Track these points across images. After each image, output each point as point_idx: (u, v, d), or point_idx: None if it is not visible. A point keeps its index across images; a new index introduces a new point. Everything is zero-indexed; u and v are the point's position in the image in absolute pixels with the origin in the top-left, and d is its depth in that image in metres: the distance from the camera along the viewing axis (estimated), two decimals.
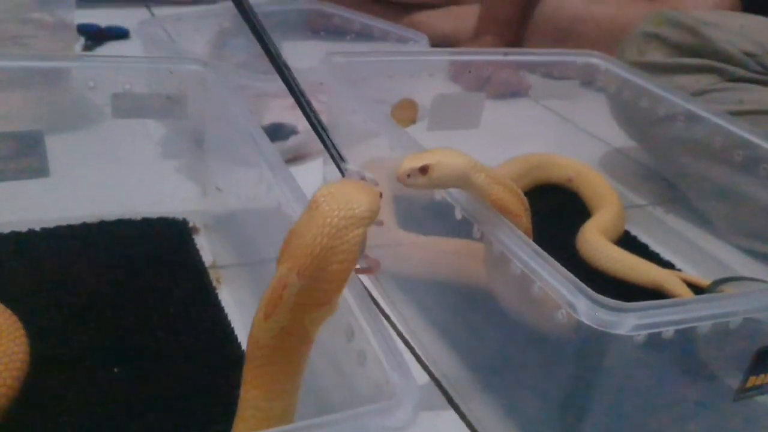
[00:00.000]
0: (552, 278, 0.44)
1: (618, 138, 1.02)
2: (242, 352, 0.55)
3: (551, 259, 0.46)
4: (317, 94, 1.05)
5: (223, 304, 0.61)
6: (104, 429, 0.47)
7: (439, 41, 1.36)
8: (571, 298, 0.43)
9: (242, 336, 0.57)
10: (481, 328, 0.56)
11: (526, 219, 0.52)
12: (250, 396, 0.36)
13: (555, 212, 0.84)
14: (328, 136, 0.51)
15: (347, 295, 0.40)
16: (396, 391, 0.34)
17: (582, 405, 0.47)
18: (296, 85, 0.53)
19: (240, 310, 0.60)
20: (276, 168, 0.51)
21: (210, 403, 0.50)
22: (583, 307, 0.42)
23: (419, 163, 0.47)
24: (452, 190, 0.54)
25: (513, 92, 1.16)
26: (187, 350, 0.55)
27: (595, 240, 0.77)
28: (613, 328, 0.41)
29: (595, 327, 0.42)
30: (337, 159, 0.50)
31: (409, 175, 0.47)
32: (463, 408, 0.55)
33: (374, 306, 0.39)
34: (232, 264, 0.66)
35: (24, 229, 0.65)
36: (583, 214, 0.85)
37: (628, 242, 0.81)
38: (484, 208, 0.51)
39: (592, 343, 0.43)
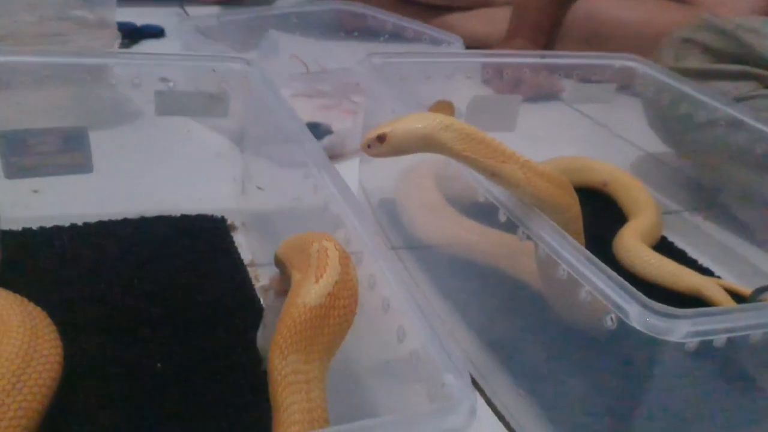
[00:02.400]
0: (602, 282, 0.44)
1: (652, 143, 1.01)
2: None
3: (600, 263, 0.46)
4: (350, 94, 1.05)
5: (263, 302, 0.61)
6: (149, 425, 0.47)
7: (470, 43, 1.36)
8: (622, 303, 0.42)
9: None
10: (523, 330, 0.56)
11: (516, 165, 0.49)
12: (290, 360, 0.37)
13: (590, 217, 0.83)
14: None
15: (397, 296, 0.40)
16: (452, 393, 0.33)
17: (629, 412, 0.46)
18: None
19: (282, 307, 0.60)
20: (323, 167, 0.51)
21: (252, 402, 0.50)
22: (635, 312, 0.42)
23: (376, 133, 0.47)
24: (495, 191, 0.54)
25: (545, 95, 1.16)
26: (227, 348, 0.55)
27: (632, 245, 0.76)
28: (665, 334, 0.41)
29: (647, 333, 0.41)
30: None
31: (369, 146, 0.48)
32: (503, 412, 0.55)
33: (426, 306, 0.39)
34: (270, 263, 0.66)
35: (66, 223, 0.66)
36: (619, 219, 0.85)
37: (665, 248, 0.80)
38: (529, 209, 0.51)
39: (641, 350, 0.43)
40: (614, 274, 0.44)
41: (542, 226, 0.49)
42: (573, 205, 0.54)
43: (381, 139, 0.46)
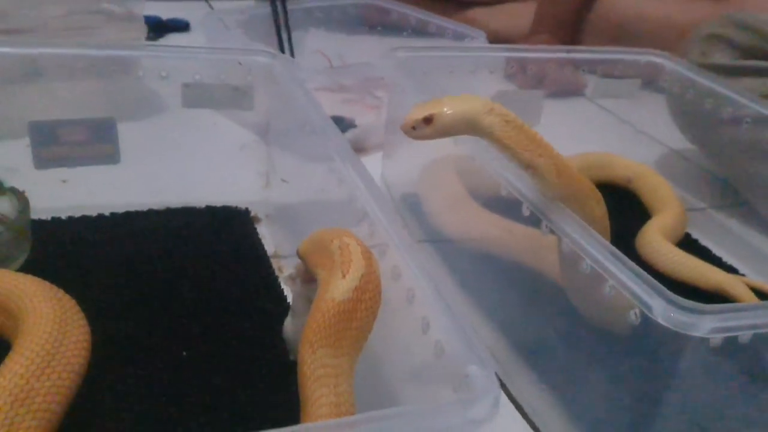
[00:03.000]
0: (626, 277, 0.44)
1: (676, 140, 1.00)
2: None
3: (624, 257, 0.45)
4: (373, 89, 1.06)
5: (286, 293, 0.61)
6: (175, 412, 0.48)
7: (493, 39, 1.35)
8: (646, 297, 0.42)
9: None
10: (544, 325, 0.56)
11: (552, 161, 0.49)
12: (319, 355, 0.37)
13: (613, 213, 0.83)
14: None
15: (421, 287, 0.40)
16: (476, 384, 0.34)
17: (651, 408, 0.46)
18: None
19: None
20: (349, 160, 0.52)
21: (275, 391, 0.51)
22: (659, 307, 0.41)
23: (422, 114, 0.46)
24: (519, 185, 0.54)
25: (568, 91, 1.15)
26: (251, 338, 0.56)
27: (656, 241, 0.76)
28: (689, 330, 0.41)
29: (671, 328, 0.41)
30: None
31: (414, 127, 0.46)
32: (524, 406, 0.55)
33: (450, 297, 0.39)
34: (294, 254, 0.66)
35: (94, 213, 0.67)
36: (643, 215, 0.84)
37: (689, 245, 0.80)
38: (553, 204, 0.51)
39: (665, 345, 0.43)
40: (638, 268, 0.44)
41: (566, 220, 0.49)
42: (598, 209, 0.53)
43: (428, 120, 0.45)
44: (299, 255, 0.48)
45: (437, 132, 0.46)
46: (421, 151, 0.76)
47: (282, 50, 1.06)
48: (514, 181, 0.55)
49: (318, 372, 0.37)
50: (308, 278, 0.48)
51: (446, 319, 0.38)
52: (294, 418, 0.46)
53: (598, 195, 0.54)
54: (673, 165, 1.03)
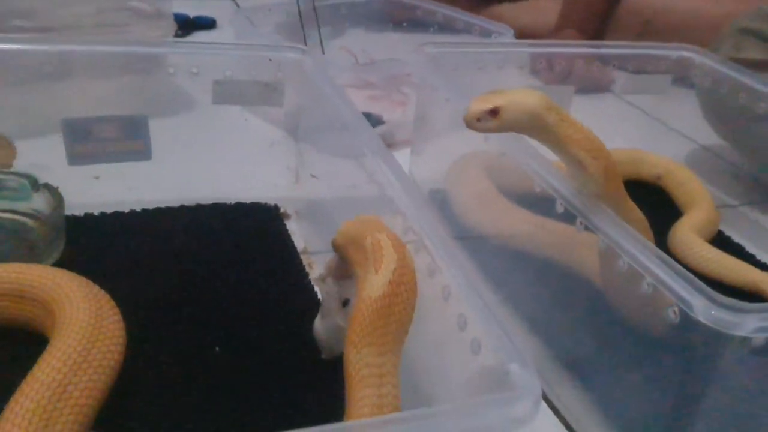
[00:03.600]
0: (665, 275, 0.43)
1: (706, 136, 0.99)
2: None
3: (663, 254, 0.45)
4: (400, 85, 1.05)
5: (317, 290, 0.61)
6: (208, 408, 0.48)
7: (518, 35, 1.34)
8: (686, 295, 0.41)
9: None
10: (578, 322, 0.55)
11: (604, 163, 0.49)
12: (364, 353, 0.37)
13: (643, 210, 0.82)
14: None
15: (458, 284, 0.40)
16: (517, 381, 0.33)
17: (688, 408, 0.45)
18: None
19: None
20: (381, 155, 0.51)
21: (307, 388, 0.51)
22: (700, 305, 0.41)
23: (489, 105, 0.44)
24: (553, 181, 0.53)
25: (595, 87, 1.14)
26: (283, 335, 0.56)
27: (688, 239, 0.75)
28: (731, 329, 0.40)
29: (712, 327, 0.40)
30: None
31: (479, 119, 0.45)
32: (558, 406, 0.54)
33: (488, 293, 0.38)
34: (324, 251, 0.66)
35: (126, 209, 0.68)
36: (673, 212, 0.83)
37: (722, 242, 0.79)
38: (587, 200, 0.50)
39: (705, 344, 0.42)
40: (678, 265, 0.44)
41: (602, 216, 0.49)
42: (641, 221, 0.53)
43: (494, 113, 0.44)
44: (335, 248, 0.48)
45: (503, 125, 0.45)
46: (450, 148, 0.76)
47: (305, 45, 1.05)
48: (547, 176, 0.54)
49: (362, 372, 0.37)
50: (340, 275, 0.48)
51: (484, 316, 0.37)
52: (325, 416, 0.46)
53: (641, 217, 0.54)
54: (704, 161, 1.01)
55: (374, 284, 0.40)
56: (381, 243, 0.42)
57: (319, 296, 0.60)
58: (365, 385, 0.37)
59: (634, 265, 0.45)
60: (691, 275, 0.43)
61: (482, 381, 0.36)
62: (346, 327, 0.49)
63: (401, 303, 0.39)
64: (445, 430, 0.31)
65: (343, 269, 0.47)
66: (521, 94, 0.46)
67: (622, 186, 0.51)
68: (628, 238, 0.46)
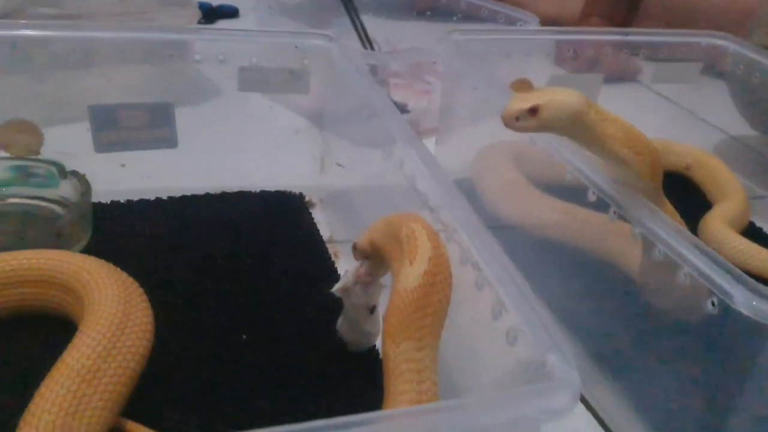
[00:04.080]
0: (703, 264, 0.42)
1: (735, 126, 0.97)
2: None
3: (701, 243, 0.44)
4: (424, 74, 1.04)
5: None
6: (235, 394, 0.48)
7: (543, 23, 1.33)
8: (726, 285, 0.40)
9: None
10: (609, 314, 0.54)
11: (649, 159, 0.48)
12: (402, 348, 0.36)
13: (672, 201, 0.81)
14: None
15: (492, 272, 0.39)
16: (554, 372, 0.32)
17: (726, 402, 0.44)
18: None
19: None
20: (410, 142, 0.51)
21: (333, 377, 0.50)
22: (741, 296, 0.40)
23: (528, 104, 0.43)
24: (585, 169, 0.52)
25: (621, 76, 1.12)
26: (310, 323, 0.55)
27: (720, 230, 0.73)
28: None
29: (753, 318, 0.39)
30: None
31: (517, 118, 0.43)
32: (589, 399, 0.53)
33: (524, 281, 0.38)
34: (350, 239, 0.66)
35: (152, 197, 0.68)
36: (703, 204, 0.81)
37: (753, 234, 0.77)
38: (620, 187, 0.49)
39: (744, 336, 0.41)
40: (716, 254, 0.43)
41: (636, 204, 0.48)
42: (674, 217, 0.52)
43: (533, 111, 0.43)
44: (361, 250, 0.46)
45: (541, 124, 0.44)
46: (476, 137, 0.75)
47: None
48: (579, 164, 0.53)
49: (402, 367, 0.36)
50: (370, 280, 0.46)
51: (520, 306, 0.37)
52: (352, 406, 0.46)
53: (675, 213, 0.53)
54: (734, 152, 0.99)
55: (409, 276, 0.39)
56: (416, 233, 0.41)
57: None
58: (404, 381, 0.36)
59: (670, 255, 0.44)
60: (730, 265, 0.42)
61: (518, 372, 0.35)
62: (374, 333, 0.49)
63: (437, 293, 0.38)
64: (482, 421, 0.30)
65: (370, 275, 0.46)
66: (560, 92, 0.45)
67: (661, 182, 0.50)
68: (664, 227, 0.45)
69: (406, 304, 0.38)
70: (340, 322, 0.50)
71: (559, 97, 0.44)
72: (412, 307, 0.38)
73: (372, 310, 0.48)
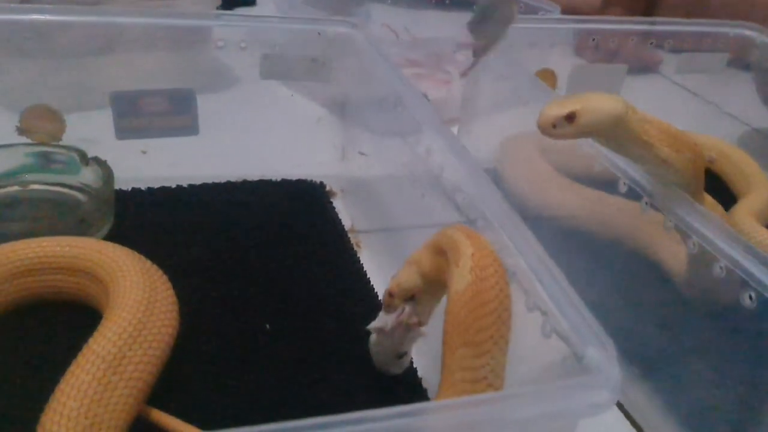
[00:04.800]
0: (740, 257, 0.41)
1: (760, 118, 0.95)
2: None
3: (738, 235, 0.43)
4: (443, 64, 1.03)
5: (365, 268, 0.60)
6: (259, 383, 0.47)
7: (564, 12, 1.31)
8: (765, 279, 0.39)
9: None
10: (641, 307, 0.53)
11: (690, 155, 0.46)
12: (458, 355, 0.34)
13: None
14: None
15: (526, 262, 0.38)
16: (594, 366, 0.32)
17: (761, 400, 0.43)
18: None
19: (382, 274, 0.60)
20: (439, 130, 0.50)
21: (354, 370, 0.49)
22: None
23: (565, 110, 0.42)
24: (616, 158, 0.51)
25: (642, 67, 1.10)
26: (333, 313, 0.55)
27: (747, 225, 0.72)
28: None
29: None
30: None
31: (554, 125, 0.42)
32: (621, 399, 0.52)
33: (560, 273, 0.37)
34: (371, 229, 0.65)
35: (173, 185, 0.67)
36: (728, 197, 0.80)
37: None
38: (653, 178, 0.48)
39: None
40: (754, 247, 0.42)
41: (670, 195, 0.47)
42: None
43: (570, 118, 0.42)
44: (404, 291, 0.42)
45: (579, 131, 0.42)
46: (500, 126, 0.74)
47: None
48: (608, 154, 0.52)
49: (455, 376, 0.34)
50: (415, 321, 0.42)
51: (555, 297, 0.36)
52: (377, 400, 0.45)
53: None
54: (758, 144, 0.98)
55: (457, 278, 0.37)
56: (454, 237, 0.39)
57: (369, 274, 0.59)
58: (454, 392, 0.34)
59: (705, 247, 0.43)
60: None
61: (553, 365, 0.34)
62: (404, 365, 0.47)
63: (491, 289, 0.36)
64: (520, 414, 0.30)
65: (415, 317, 0.42)
66: (597, 97, 0.43)
67: (703, 178, 0.49)
68: (699, 218, 0.44)
69: (459, 307, 0.35)
70: (372, 339, 0.47)
71: (597, 102, 0.43)
72: (465, 309, 0.35)
73: (401, 356, 0.45)
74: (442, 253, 0.40)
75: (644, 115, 0.45)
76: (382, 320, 0.43)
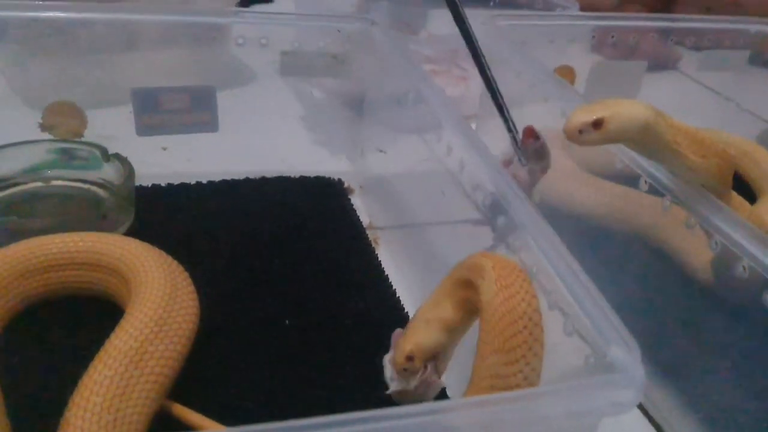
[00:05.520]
0: (763, 256, 0.41)
1: None
2: (405, 314, 0.55)
3: (760, 233, 0.42)
4: (459, 60, 1.03)
5: (383, 265, 0.60)
6: (280, 378, 0.48)
7: (581, 9, 1.30)
8: None
9: (403, 297, 0.56)
10: (662, 307, 0.53)
11: (715, 161, 0.46)
12: (489, 363, 0.34)
13: None
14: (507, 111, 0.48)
15: (549, 260, 0.38)
16: (618, 364, 0.31)
17: None
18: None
19: (400, 271, 0.60)
20: (460, 128, 0.50)
21: (376, 362, 0.49)
22: None
23: (592, 117, 0.41)
24: (636, 156, 0.51)
25: (661, 64, 1.09)
26: (351, 309, 0.55)
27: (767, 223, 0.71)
28: None
29: None
30: (514, 133, 0.46)
31: (581, 131, 0.42)
32: (642, 399, 0.52)
33: (582, 271, 0.37)
34: (389, 226, 0.65)
35: (192, 181, 0.67)
36: (749, 195, 0.80)
37: None
38: (674, 176, 0.48)
39: None
40: None
41: (691, 193, 0.46)
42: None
43: (597, 124, 0.41)
44: (425, 353, 0.40)
45: (607, 137, 0.42)
46: (519, 123, 0.74)
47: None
48: (630, 151, 0.52)
49: (483, 383, 0.33)
50: (435, 379, 0.41)
51: (577, 294, 0.36)
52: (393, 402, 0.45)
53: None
54: None
55: (484, 290, 0.36)
56: (469, 262, 0.39)
57: (387, 271, 0.59)
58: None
59: (728, 246, 0.43)
60: None
61: (575, 364, 0.34)
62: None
63: (516, 295, 0.35)
64: (544, 411, 0.30)
65: (436, 374, 0.41)
66: (625, 103, 0.43)
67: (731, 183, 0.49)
68: (722, 216, 0.44)
69: (491, 315, 0.35)
70: (386, 358, 0.44)
71: (625, 108, 0.42)
72: (496, 316, 0.34)
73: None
74: (464, 285, 0.39)
75: (672, 121, 0.45)
76: (401, 384, 0.42)
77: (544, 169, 0.45)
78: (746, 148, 0.86)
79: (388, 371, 0.42)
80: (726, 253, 0.43)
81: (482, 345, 0.34)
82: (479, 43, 0.51)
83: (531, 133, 0.45)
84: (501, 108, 0.47)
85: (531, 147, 0.45)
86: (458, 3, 0.48)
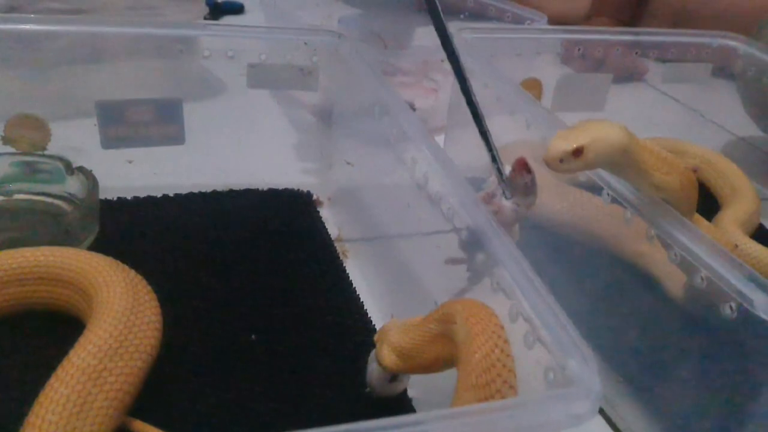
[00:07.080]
0: (721, 267, 0.41)
1: (743, 127, 0.96)
2: (372, 326, 0.55)
3: (718, 246, 0.43)
4: (430, 72, 1.04)
5: (351, 277, 0.60)
6: (243, 394, 0.47)
7: (551, 22, 1.32)
8: (746, 291, 0.40)
9: (372, 310, 0.56)
10: (625, 315, 0.54)
11: (677, 179, 0.47)
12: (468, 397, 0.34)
13: None
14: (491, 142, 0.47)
15: (509, 272, 0.39)
16: (574, 377, 0.32)
17: (745, 408, 0.44)
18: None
19: (368, 283, 0.60)
20: (423, 140, 0.50)
21: (344, 374, 0.50)
22: (761, 301, 0.39)
23: (572, 145, 0.41)
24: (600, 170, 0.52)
25: (628, 77, 1.11)
26: (319, 322, 0.55)
27: (731, 234, 0.72)
28: None
29: None
30: (500, 164, 0.46)
31: (561, 160, 0.42)
32: (605, 407, 0.52)
33: (542, 283, 0.37)
34: (358, 238, 0.65)
35: (158, 194, 0.67)
36: (712, 205, 0.81)
37: (763, 237, 0.76)
38: (636, 190, 0.49)
39: (765, 342, 0.40)
40: (735, 258, 0.42)
41: (652, 206, 0.47)
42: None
43: (578, 153, 0.41)
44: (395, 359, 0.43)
45: (587, 164, 0.42)
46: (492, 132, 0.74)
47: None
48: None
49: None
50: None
51: (538, 309, 0.36)
52: (362, 414, 0.45)
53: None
54: (742, 153, 0.99)
55: (459, 331, 0.37)
56: (441, 310, 0.40)
57: (355, 283, 0.60)
58: None
59: (687, 257, 0.44)
60: (750, 268, 0.41)
61: (534, 376, 0.34)
62: (400, 388, 0.47)
63: (484, 331, 0.35)
64: (502, 426, 0.30)
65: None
66: (603, 128, 0.43)
67: (695, 199, 0.50)
68: (681, 228, 0.45)
69: (465, 353, 0.35)
70: (370, 368, 0.47)
71: (603, 134, 0.42)
72: (467, 354, 0.35)
73: (393, 378, 0.46)
74: (446, 337, 0.39)
75: (643, 142, 0.46)
76: (382, 387, 0.46)
77: (530, 206, 0.44)
78: (710, 158, 0.88)
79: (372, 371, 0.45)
80: (684, 265, 0.44)
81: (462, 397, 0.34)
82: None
83: (523, 165, 0.43)
84: (487, 139, 0.47)
85: (521, 181, 0.43)
86: (441, 16, 0.47)
